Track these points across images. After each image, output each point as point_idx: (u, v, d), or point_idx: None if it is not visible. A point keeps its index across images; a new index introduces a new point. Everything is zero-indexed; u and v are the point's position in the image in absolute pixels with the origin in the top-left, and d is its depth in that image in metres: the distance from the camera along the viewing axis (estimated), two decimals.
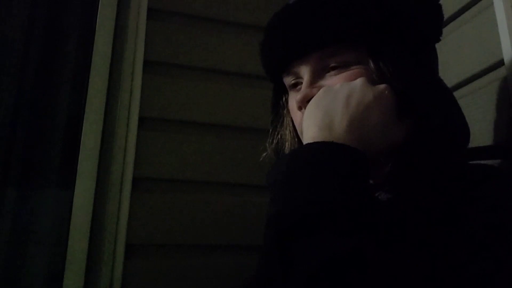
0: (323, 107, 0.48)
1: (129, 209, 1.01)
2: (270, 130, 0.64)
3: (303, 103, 0.53)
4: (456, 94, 0.87)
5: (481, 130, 0.78)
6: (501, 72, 0.75)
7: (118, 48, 1.13)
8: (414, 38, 0.52)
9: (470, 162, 0.55)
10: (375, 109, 0.47)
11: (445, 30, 0.94)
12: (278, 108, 0.64)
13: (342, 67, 0.52)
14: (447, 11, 0.92)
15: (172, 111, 1.11)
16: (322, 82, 0.54)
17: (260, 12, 1.24)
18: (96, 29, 1.14)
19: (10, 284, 1.04)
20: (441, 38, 0.58)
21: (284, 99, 0.63)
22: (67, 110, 1.17)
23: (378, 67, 0.50)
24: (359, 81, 0.49)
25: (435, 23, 0.56)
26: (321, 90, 0.50)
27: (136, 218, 1.01)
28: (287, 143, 0.61)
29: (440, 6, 0.57)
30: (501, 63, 0.75)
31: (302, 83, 0.55)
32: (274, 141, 0.63)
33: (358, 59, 0.52)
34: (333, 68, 0.53)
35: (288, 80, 0.59)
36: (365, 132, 0.46)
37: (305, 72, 0.55)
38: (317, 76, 0.54)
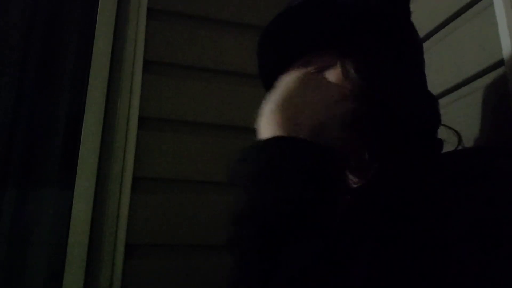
0: (269, 104, 0.50)
1: (129, 209, 1.01)
2: None
3: None
4: (456, 94, 0.87)
5: (481, 130, 0.78)
6: (501, 72, 0.75)
7: (118, 48, 1.13)
8: (380, 36, 0.55)
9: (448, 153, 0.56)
10: (307, 93, 0.49)
11: (445, 30, 0.94)
12: None
13: (319, 72, 0.56)
14: (447, 11, 0.92)
15: (172, 111, 1.11)
16: None
17: (260, 12, 1.24)
18: (96, 29, 1.14)
19: (10, 284, 1.04)
20: (410, 32, 0.61)
21: None
22: (67, 110, 1.17)
23: (344, 67, 0.54)
24: (294, 75, 0.51)
25: (399, 18, 0.58)
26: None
27: (136, 218, 1.01)
28: None
29: (404, 2, 0.60)
30: (501, 63, 0.75)
31: None
32: None
33: (331, 63, 0.55)
34: (311, 69, 0.56)
35: None
36: (300, 114, 0.47)
37: None
38: None
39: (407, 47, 0.58)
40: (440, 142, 0.57)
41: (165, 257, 1.01)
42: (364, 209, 0.50)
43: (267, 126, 0.49)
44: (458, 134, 0.59)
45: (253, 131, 1.22)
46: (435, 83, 0.94)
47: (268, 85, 0.63)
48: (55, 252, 1.05)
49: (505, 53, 0.73)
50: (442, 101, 0.91)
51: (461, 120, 0.84)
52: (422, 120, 0.55)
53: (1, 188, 1.08)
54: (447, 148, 0.59)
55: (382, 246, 0.43)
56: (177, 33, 1.17)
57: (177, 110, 1.11)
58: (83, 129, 1.06)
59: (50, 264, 1.05)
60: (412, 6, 1.12)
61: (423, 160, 0.51)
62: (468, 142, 0.73)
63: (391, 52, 0.55)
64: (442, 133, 0.63)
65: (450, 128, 0.60)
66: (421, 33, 1.02)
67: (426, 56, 1.00)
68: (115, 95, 1.09)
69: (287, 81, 0.50)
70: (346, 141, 0.50)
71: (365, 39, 0.54)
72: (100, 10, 1.16)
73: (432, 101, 0.60)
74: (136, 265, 0.99)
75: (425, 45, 1.01)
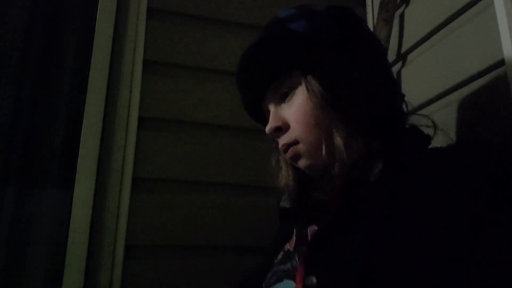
0: None
1: (128, 209, 1.01)
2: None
3: (271, 135, 0.65)
4: (456, 94, 0.87)
5: (481, 130, 0.77)
6: (502, 72, 0.74)
7: (118, 48, 1.13)
8: (336, 51, 0.62)
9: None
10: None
11: (445, 30, 0.94)
12: None
13: (289, 92, 0.64)
14: (447, 11, 0.92)
15: (171, 111, 1.11)
16: (282, 112, 0.65)
17: (260, 12, 1.24)
18: (96, 28, 1.14)
19: (10, 284, 1.04)
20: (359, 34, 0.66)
21: None
22: (66, 110, 1.17)
23: (308, 82, 0.62)
24: None
25: (351, 33, 0.64)
26: None
27: (136, 218, 1.01)
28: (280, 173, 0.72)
29: (347, 12, 0.66)
30: (501, 62, 0.74)
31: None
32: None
33: (297, 82, 0.63)
34: (285, 95, 0.65)
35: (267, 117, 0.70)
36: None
37: (269, 107, 0.67)
38: (278, 107, 0.66)
39: (364, 54, 0.64)
40: (414, 131, 0.62)
41: (165, 258, 1.01)
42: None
43: None
44: (434, 123, 0.64)
45: (253, 131, 1.22)
46: (435, 83, 0.94)
47: (255, 114, 0.74)
48: (55, 252, 1.05)
49: (506, 53, 0.73)
50: (442, 101, 0.91)
51: (461, 120, 0.83)
52: (388, 115, 0.61)
53: (1, 188, 1.08)
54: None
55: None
56: (177, 33, 1.17)
57: (177, 110, 1.11)
58: (82, 129, 1.06)
59: (50, 264, 1.05)
60: (412, 6, 1.12)
61: (389, 152, 0.56)
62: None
63: (348, 62, 0.61)
64: (437, 137, 0.63)
65: (426, 116, 0.66)
66: (421, 33, 1.02)
67: (426, 56, 1.00)
68: (114, 95, 1.09)
69: None
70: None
71: (323, 56, 0.61)
72: (100, 9, 1.16)
73: (398, 96, 0.67)
74: (135, 266, 0.98)
75: (425, 45, 1.01)
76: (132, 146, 1.05)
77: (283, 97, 0.65)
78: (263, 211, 1.06)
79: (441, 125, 0.66)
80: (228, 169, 1.11)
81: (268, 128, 0.65)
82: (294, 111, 0.63)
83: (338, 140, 0.58)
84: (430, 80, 0.96)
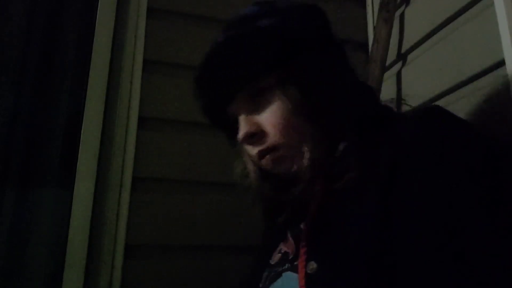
0: None
1: (128, 209, 1.01)
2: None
3: (245, 141, 0.61)
4: (456, 94, 0.87)
5: (482, 130, 0.77)
6: (502, 72, 0.74)
7: (118, 47, 1.13)
8: (308, 48, 0.59)
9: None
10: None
11: (445, 30, 0.94)
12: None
13: (262, 95, 0.60)
14: (448, 11, 0.92)
15: (172, 111, 1.11)
16: (256, 117, 0.61)
17: None
18: (96, 28, 1.14)
19: (10, 284, 1.03)
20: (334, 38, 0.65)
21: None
22: (66, 110, 1.17)
23: (283, 85, 0.58)
24: None
25: (319, 26, 0.63)
26: None
27: (136, 218, 1.01)
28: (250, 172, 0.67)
29: (316, 9, 0.64)
30: (501, 63, 0.74)
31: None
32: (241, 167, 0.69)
33: (272, 84, 0.59)
34: (258, 99, 0.60)
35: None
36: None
37: (238, 111, 0.62)
38: (250, 111, 0.61)
39: (336, 54, 0.63)
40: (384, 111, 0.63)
41: (165, 257, 1.01)
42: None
43: None
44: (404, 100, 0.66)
45: None
46: (435, 83, 0.94)
47: (216, 119, 0.69)
48: (55, 252, 1.05)
49: (506, 53, 0.73)
50: (442, 101, 0.91)
51: None
52: (360, 106, 0.60)
53: (1, 188, 1.07)
54: None
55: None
56: (177, 33, 1.17)
57: (177, 110, 1.11)
58: (82, 129, 1.06)
59: (50, 264, 1.05)
60: (412, 6, 1.12)
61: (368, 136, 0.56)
62: None
63: (323, 63, 0.60)
64: None
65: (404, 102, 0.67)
66: (421, 33, 1.02)
67: (426, 56, 1.00)
68: (114, 94, 1.09)
69: None
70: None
71: (298, 57, 0.59)
72: (100, 9, 1.16)
73: (366, 88, 0.66)
74: (135, 266, 0.98)
75: (425, 45, 1.01)
76: (132, 146, 1.05)
77: (255, 101, 0.60)
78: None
79: None
80: (228, 169, 1.10)
81: (241, 134, 0.60)
82: (270, 116, 0.59)
83: (318, 142, 0.56)
84: (430, 80, 0.96)
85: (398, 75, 1.10)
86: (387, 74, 1.13)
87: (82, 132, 1.05)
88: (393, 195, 0.48)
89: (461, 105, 0.84)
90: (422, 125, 0.51)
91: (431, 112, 0.54)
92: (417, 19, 1.06)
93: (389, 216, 0.47)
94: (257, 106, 0.60)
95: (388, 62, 1.11)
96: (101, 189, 1.03)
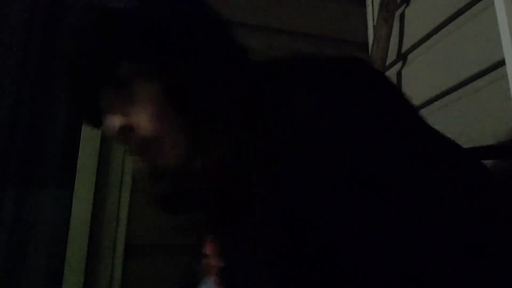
0: None
1: (128, 209, 1.01)
2: None
3: (116, 138, 0.55)
4: (456, 94, 0.87)
5: (481, 130, 0.78)
6: (502, 72, 0.74)
7: None
8: (173, 34, 0.55)
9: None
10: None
11: (445, 30, 0.94)
12: None
13: (129, 86, 0.54)
14: (448, 11, 0.92)
15: None
16: (122, 110, 0.55)
17: (261, 12, 1.24)
18: None
19: (10, 284, 1.04)
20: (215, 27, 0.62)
21: None
22: (66, 110, 1.17)
23: (152, 74, 0.54)
24: None
25: (192, 10, 0.59)
26: None
27: (136, 218, 1.01)
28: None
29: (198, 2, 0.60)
30: (501, 63, 0.74)
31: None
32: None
33: (139, 74, 0.54)
34: (124, 90, 0.54)
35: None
36: None
37: (106, 105, 0.56)
38: (118, 104, 0.55)
39: (210, 39, 0.59)
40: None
41: (165, 257, 1.01)
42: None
43: None
44: None
45: None
46: (435, 83, 0.94)
47: (88, 116, 0.62)
48: (55, 252, 1.05)
49: (506, 53, 0.73)
50: (442, 101, 0.91)
51: (461, 120, 0.84)
52: (232, 87, 0.55)
53: (1, 188, 1.07)
54: None
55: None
56: None
57: None
58: (82, 129, 1.06)
59: (50, 264, 1.05)
60: (412, 6, 1.12)
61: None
62: (470, 142, 0.73)
63: (196, 50, 0.56)
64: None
65: None
66: (421, 33, 1.02)
67: (426, 56, 1.00)
68: None
69: None
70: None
71: (166, 43, 0.54)
72: None
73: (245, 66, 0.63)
74: (135, 266, 0.98)
75: (425, 45, 1.01)
76: None
77: (121, 94, 0.54)
78: None
79: (441, 125, 0.66)
80: None
81: (109, 130, 0.54)
82: (137, 109, 0.53)
83: (196, 132, 0.52)
84: (430, 80, 0.96)
85: (398, 75, 1.10)
86: (387, 74, 1.13)
87: (82, 132, 1.06)
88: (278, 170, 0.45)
89: (461, 105, 0.84)
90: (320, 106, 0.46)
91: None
92: (417, 19, 1.07)
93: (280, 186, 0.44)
94: (124, 100, 0.54)
95: (388, 62, 1.11)
96: (101, 189, 1.03)
